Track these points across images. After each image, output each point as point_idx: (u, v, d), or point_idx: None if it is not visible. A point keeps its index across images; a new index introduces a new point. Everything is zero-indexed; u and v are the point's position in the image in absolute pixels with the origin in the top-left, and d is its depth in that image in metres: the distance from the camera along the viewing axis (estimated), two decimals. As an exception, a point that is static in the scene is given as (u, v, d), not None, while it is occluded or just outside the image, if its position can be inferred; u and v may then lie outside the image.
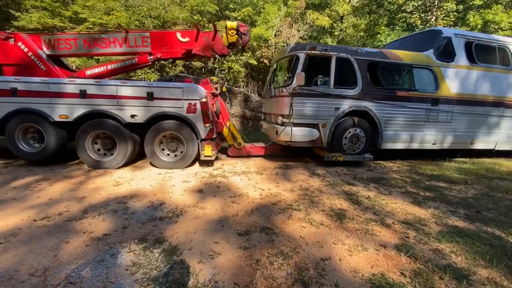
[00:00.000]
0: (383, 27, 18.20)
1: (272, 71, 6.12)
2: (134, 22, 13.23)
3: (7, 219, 2.57)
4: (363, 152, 5.12)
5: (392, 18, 16.85)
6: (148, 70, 12.62)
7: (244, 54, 13.52)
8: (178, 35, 4.99)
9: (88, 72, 5.11)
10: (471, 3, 14.16)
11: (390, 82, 5.45)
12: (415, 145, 5.37)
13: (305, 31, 15.68)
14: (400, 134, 5.22)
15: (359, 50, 5.08)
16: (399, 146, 5.30)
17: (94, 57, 11.46)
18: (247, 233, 2.40)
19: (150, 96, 4.27)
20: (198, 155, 4.62)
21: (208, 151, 4.50)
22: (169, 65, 13.14)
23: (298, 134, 4.81)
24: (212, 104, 4.72)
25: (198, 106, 4.35)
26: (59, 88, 4.21)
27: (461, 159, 6.00)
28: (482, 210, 3.12)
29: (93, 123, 4.31)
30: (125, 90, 4.26)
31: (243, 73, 15.69)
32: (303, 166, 5.04)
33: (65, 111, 4.25)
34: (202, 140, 4.51)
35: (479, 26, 13.88)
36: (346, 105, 4.89)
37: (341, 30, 19.00)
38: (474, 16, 13.99)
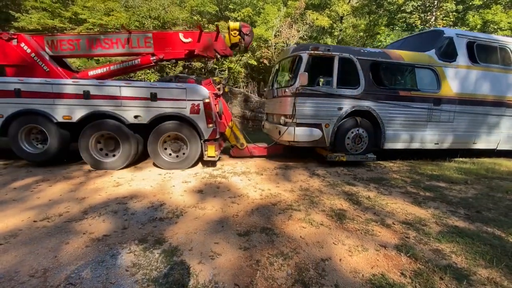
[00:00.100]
0: (382, 27, 18.22)
1: (274, 72, 6.13)
2: (134, 23, 13.23)
3: (7, 220, 2.57)
4: (365, 152, 5.13)
5: (391, 18, 16.86)
6: (148, 71, 12.60)
7: (244, 54, 13.53)
8: (181, 35, 4.99)
9: (91, 73, 5.11)
10: (470, 3, 14.17)
11: (393, 82, 5.46)
12: (417, 145, 5.37)
13: (305, 31, 15.68)
14: (402, 134, 5.22)
15: (362, 50, 5.10)
16: (402, 146, 5.31)
17: (94, 58, 11.46)
18: (247, 234, 2.40)
19: (153, 97, 4.27)
20: (201, 155, 4.62)
21: (211, 151, 4.51)
22: (169, 66, 13.15)
23: (301, 134, 4.82)
24: (215, 105, 4.73)
25: (201, 107, 4.35)
26: (63, 89, 4.21)
27: (461, 159, 6.00)
28: (482, 210, 3.12)
29: (96, 124, 4.31)
30: (129, 91, 4.26)
31: (243, 74, 15.69)
32: (303, 167, 5.04)
33: (68, 112, 4.26)
34: (205, 140, 4.51)
35: (478, 26, 13.89)
36: (348, 105, 4.90)
37: (340, 30, 19.01)
38: (473, 16, 14.00)
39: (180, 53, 5.10)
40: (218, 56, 5.25)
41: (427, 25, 14.52)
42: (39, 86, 4.19)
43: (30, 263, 1.91)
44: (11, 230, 2.38)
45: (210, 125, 4.42)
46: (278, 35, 15.11)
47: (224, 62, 14.27)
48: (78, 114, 4.25)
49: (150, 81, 12.29)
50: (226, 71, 15.11)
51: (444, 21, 13.80)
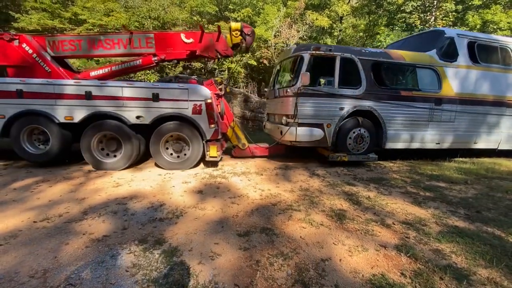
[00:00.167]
0: (382, 28, 18.22)
1: (275, 72, 6.14)
2: (133, 23, 13.24)
3: (7, 221, 2.57)
4: (367, 152, 5.14)
5: (391, 19, 16.88)
6: (148, 71, 12.60)
7: (244, 54, 13.53)
8: (183, 36, 5.00)
9: (93, 74, 5.11)
10: (470, 3, 14.18)
11: (394, 82, 5.47)
12: (419, 145, 5.38)
13: (304, 31, 15.69)
14: (404, 133, 5.23)
15: (363, 50, 5.11)
16: (403, 145, 5.32)
17: (94, 58, 11.45)
18: (247, 234, 2.40)
19: (155, 97, 4.28)
20: (203, 156, 4.62)
21: (213, 152, 4.51)
22: (169, 66, 13.15)
23: (303, 134, 4.82)
24: (217, 105, 4.74)
25: (203, 107, 4.36)
26: (64, 89, 4.22)
27: (461, 159, 6.00)
28: (482, 210, 3.12)
29: (98, 125, 4.31)
30: (131, 91, 4.27)
31: (243, 74, 15.70)
32: (303, 167, 5.04)
33: (70, 112, 4.26)
34: (207, 141, 4.51)
35: (478, 26, 13.90)
36: (350, 105, 4.90)
37: (340, 30, 19.02)
38: (473, 16, 14.01)
39: (181, 54, 5.10)
40: (220, 56, 5.25)
41: (426, 25, 14.53)
42: (41, 87, 4.19)
43: (30, 264, 1.91)
44: (11, 231, 2.38)
45: (212, 125, 4.42)
46: (278, 35, 15.11)
47: (224, 62, 14.27)
48: (80, 114, 4.26)
49: (150, 81, 12.30)
50: (226, 72, 15.11)
51: (443, 21, 13.81)
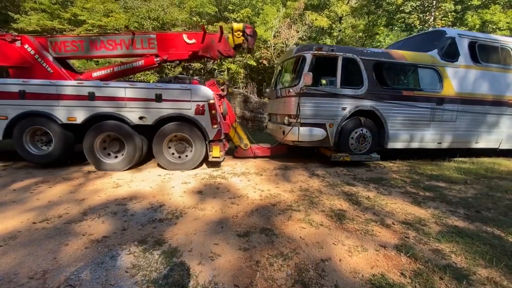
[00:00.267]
0: (381, 28, 18.26)
1: (277, 72, 6.15)
2: (133, 24, 13.25)
3: (7, 222, 2.57)
4: (369, 152, 5.15)
5: (390, 19, 16.92)
6: (148, 72, 12.60)
7: (243, 55, 13.53)
8: (185, 36, 5.00)
9: (95, 74, 5.11)
10: (469, 3, 14.22)
11: (396, 82, 5.48)
12: (420, 145, 5.40)
13: (304, 32, 15.70)
14: (406, 133, 5.25)
15: (365, 50, 5.12)
16: (405, 145, 5.33)
17: (94, 59, 11.45)
18: (247, 234, 2.40)
19: (158, 98, 4.27)
20: (206, 156, 4.62)
21: (216, 152, 4.52)
22: (169, 67, 13.15)
23: (306, 134, 4.83)
24: (219, 106, 4.73)
25: (206, 108, 4.36)
26: (67, 90, 4.21)
27: (460, 158, 6.01)
28: (481, 209, 3.13)
29: (101, 125, 4.31)
30: (134, 92, 4.26)
31: (242, 74, 15.70)
32: (303, 167, 5.04)
33: (73, 113, 4.26)
34: (210, 141, 4.52)
35: (477, 26, 13.93)
36: (352, 105, 4.92)
37: (340, 30, 19.05)
38: (472, 16, 14.04)
39: (183, 54, 5.10)
40: (222, 57, 5.25)
41: (426, 25, 14.56)
42: (43, 88, 4.19)
43: (29, 265, 1.90)
44: (10, 232, 2.38)
45: (215, 126, 4.42)
46: (277, 35, 15.13)
47: (224, 63, 14.28)
48: (83, 115, 4.25)
49: (149, 82, 12.30)
50: (226, 72, 15.12)
51: (442, 21, 13.84)
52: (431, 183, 4.16)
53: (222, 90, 5.28)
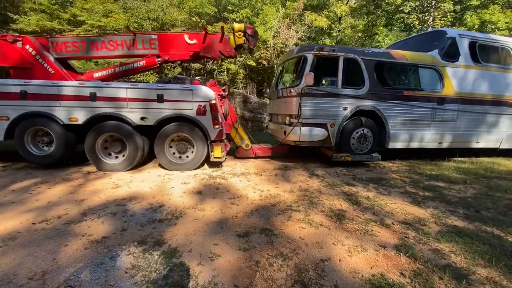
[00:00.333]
0: (381, 28, 18.29)
1: (278, 73, 6.16)
2: (132, 24, 13.25)
3: (6, 223, 2.57)
4: (370, 152, 5.16)
5: (390, 19, 16.95)
6: (147, 72, 12.62)
7: (243, 55, 13.54)
8: (186, 37, 4.99)
9: (96, 75, 5.11)
10: (468, 4, 14.24)
11: (397, 82, 5.50)
12: (422, 144, 5.41)
13: (303, 32, 15.72)
14: (407, 133, 5.26)
15: (366, 51, 5.14)
16: (406, 145, 5.34)
17: (93, 60, 11.45)
18: (246, 235, 2.40)
19: (160, 98, 4.27)
20: (207, 156, 4.62)
21: (218, 152, 4.52)
22: (168, 67, 13.15)
23: (307, 134, 4.84)
24: (221, 106, 4.73)
25: (208, 108, 4.36)
26: (69, 91, 4.21)
27: (460, 158, 6.02)
28: (481, 209, 3.13)
29: (103, 126, 4.31)
30: (135, 93, 4.26)
31: (242, 75, 15.71)
32: (303, 167, 5.05)
33: (75, 114, 4.25)
34: (211, 141, 4.52)
35: (476, 26, 13.96)
36: (353, 105, 4.93)
37: (339, 31, 19.07)
38: (471, 16, 14.07)
39: (185, 55, 5.10)
40: (223, 57, 5.25)
41: (425, 25, 14.58)
42: (45, 88, 4.18)
43: (29, 266, 1.90)
44: (9, 233, 2.37)
45: (217, 126, 4.42)
46: (277, 36, 15.14)
47: (223, 63, 14.28)
48: (85, 116, 4.25)
49: (149, 82, 12.30)
50: (225, 72, 15.12)
51: (442, 22, 13.86)
52: (431, 183, 4.16)
53: (223, 90, 5.28)
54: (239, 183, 3.96)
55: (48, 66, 4.68)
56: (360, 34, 19.46)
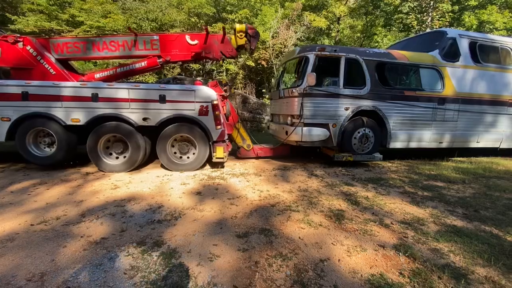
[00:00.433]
0: (379, 28, 18.34)
1: (280, 73, 6.18)
2: (131, 25, 13.24)
3: (4, 224, 2.56)
4: (372, 152, 5.17)
5: (388, 19, 16.99)
6: (146, 73, 12.61)
7: (242, 56, 13.55)
8: (187, 37, 4.99)
9: (98, 76, 5.10)
10: (466, 4, 14.30)
11: (398, 82, 5.52)
12: (422, 144, 5.43)
13: (302, 32, 15.75)
14: (408, 133, 5.28)
15: (368, 51, 5.16)
16: (407, 145, 5.36)
17: (92, 60, 11.44)
18: (246, 235, 2.40)
19: (162, 99, 4.27)
20: (209, 157, 4.62)
21: (220, 153, 4.52)
22: (167, 68, 13.14)
23: (309, 134, 4.86)
24: (222, 106, 4.73)
25: (210, 108, 4.36)
26: (70, 91, 4.20)
27: (458, 158, 6.04)
28: (480, 209, 3.14)
29: (105, 127, 4.30)
30: (137, 93, 4.26)
31: (241, 75, 15.71)
32: (302, 167, 5.05)
33: (76, 114, 4.24)
34: (213, 142, 4.52)
35: (474, 27, 14.01)
36: (355, 105, 4.95)
37: (338, 31, 19.11)
38: (469, 16, 14.12)
39: (186, 55, 5.10)
40: (224, 58, 5.26)
41: (423, 26, 14.62)
42: (46, 89, 4.17)
43: (27, 267, 1.89)
44: (8, 234, 2.36)
45: (219, 126, 4.43)
46: (276, 36, 15.16)
47: (222, 64, 14.28)
48: (86, 116, 4.24)
49: (148, 83, 12.27)
50: (225, 73, 15.12)
51: (440, 22, 13.90)
52: (430, 182, 4.17)
53: (225, 90, 5.30)
54: (239, 183, 3.96)
55: (49, 67, 4.66)
56: (358, 34, 19.52)
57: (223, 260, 2.02)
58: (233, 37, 5.12)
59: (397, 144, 5.28)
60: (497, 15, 13.64)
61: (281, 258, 2.06)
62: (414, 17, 14.86)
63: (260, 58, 14.98)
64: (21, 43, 4.54)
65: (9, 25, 12.92)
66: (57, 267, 1.90)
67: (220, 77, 14.88)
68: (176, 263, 1.97)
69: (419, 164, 5.40)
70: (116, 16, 13.47)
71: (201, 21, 15.62)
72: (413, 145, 5.39)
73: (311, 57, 4.78)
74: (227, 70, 15.23)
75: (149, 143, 4.62)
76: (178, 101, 4.32)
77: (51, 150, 4.46)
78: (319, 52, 4.78)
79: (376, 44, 18.49)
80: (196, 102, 4.34)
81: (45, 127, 4.29)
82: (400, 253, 2.13)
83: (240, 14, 14.99)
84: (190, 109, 4.35)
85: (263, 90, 14.77)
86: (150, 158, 5.04)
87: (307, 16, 15.66)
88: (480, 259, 2.08)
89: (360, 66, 4.94)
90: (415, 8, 15.04)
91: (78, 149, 4.65)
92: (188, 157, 4.67)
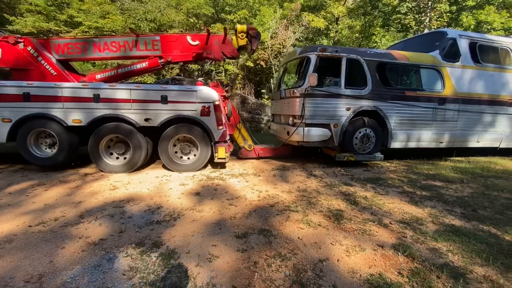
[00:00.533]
0: (378, 29, 18.38)
1: (281, 73, 6.19)
2: (130, 26, 13.21)
3: (2, 225, 2.54)
4: (373, 152, 5.18)
5: (386, 20, 17.03)
6: (147, 73, 12.59)
7: (241, 56, 13.54)
8: (189, 38, 4.99)
9: (99, 76, 5.09)
10: (464, 4, 14.35)
11: (399, 82, 5.54)
12: (423, 144, 5.45)
13: (301, 33, 15.77)
14: (408, 133, 5.30)
15: (368, 51, 5.18)
16: (408, 145, 5.38)
17: (90, 61, 11.42)
18: (245, 236, 2.40)
19: (164, 100, 4.27)
20: (211, 157, 4.63)
21: (221, 153, 4.53)
22: (166, 68, 13.12)
23: (311, 134, 4.87)
24: (224, 107, 4.74)
25: (212, 109, 4.36)
26: (72, 92, 4.19)
27: (456, 158, 6.06)
28: (478, 208, 3.15)
29: (106, 127, 4.29)
30: (139, 94, 4.25)
31: (240, 76, 15.71)
32: (301, 168, 5.05)
33: (78, 115, 4.23)
34: (215, 142, 4.52)
35: (472, 27, 14.06)
36: (356, 105, 4.97)
37: (336, 31, 19.15)
38: (467, 16, 14.17)
39: (187, 56, 5.10)
40: (226, 58, 5.26)
41: (421, 26, 14.66)
42: (48, 90, 4.16)
43: (26, 269, 1.88)
44: (6, 236, 2.35)
45: (220, 127, 4.43)
46: (274, 36, 15.18)
47: (221, 64, 14.28)
48: (88, 117, 4.23)
49: (146, 83, 12.25)
50: (223, 73, 15.11)
51: (438, 22, 13.94)
52: (428, 182, 4.18)
53: (226, 91, 5.29)
54: (238, 184, 3.96)
55: (50, 68, 4.65)
56: (357, 34, 19.56)
57: (222, 260, 2.02)
58: (234, 37, 5.12)
59: (398, 144, 5.30)
60: (495, 15, 13.70)
61: (280, 258, 2.06)
62: (412, 17, 14.91)
63: (259, 58, 15.00)
64: (22, 43, 4.53)
65: (7, 25, 12.88)
66: (56, 269, 1.89)
67: (219, 78, 14.88)
68: (175, 264, 1.96)
69: (417, 164, 5.42)
70: (114, 17, 13.46)
71: (200, 21, 15.61)
72: (414, 145, 5.41)
73: (313, 57, 4.79)
74: (226, 70, 15.22)
75: (150, 144, 4.62)
76: (180, 101, 4.32)
77: (52, 151, 4.45)
78: (320, 53, 4.79)
79: (375, 44, 18.53)
80: (198, 102, 4.34)
81: (46, 128, 4.28)
82: (399, 253, 2.13)
83: (238, 15, 15.00)
84: (192, 109, 4.36)
85: (262, 91, 14.76)
86: (150, 159, 5.03)
87: (305, 16, 15.69)
88: (479, 258, 2.09)
89: (361, 66, 4.95)
90: (413, 9, 15.08)
91: (80, 150, 4.63)
92: (189, 158, 4.68)
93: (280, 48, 14.83)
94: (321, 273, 1.89)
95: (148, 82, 12.45)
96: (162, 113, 4.32)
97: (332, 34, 19.01)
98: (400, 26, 16.46)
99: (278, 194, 3.51)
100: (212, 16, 16.79)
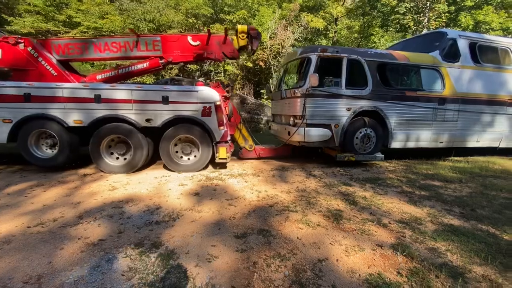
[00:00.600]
0: (376, 29, 18.41)
1: (281, 74, 6.20)
2: (128, 26, 13.21)
3: (0, 226, 2.54)
4: (373, 152, 5.20)
5: (385, 20, 17.04)
6: (147, 73, 12.58)
7: (241, 56, 13.53)
8: (189, 38, 4.99)
9: (99, 77, 5.08)
10: (462, 4, 14.39)
11: (399, 82, 5.55)
12: (423, 144, 5.47)
13: (299, 33, 15.79)
14: (409, 133, 5.32)
15: (369, 52, 5.20)
16: (408, 145, 5.40)
17: (89, 61, 11.38)
18: (244, 236, 2.40)
19: (165, 100, 4.27)
20: (212, 157, 4.63)
21: (223, 153, 4.53)
22: (165, 68, 13.10)
23: (312, 135, 4.88)
24: (225, 107, 4.74)
25: (213, 109, 4.36)
26: (73, 93, 4.19)
27: (455, 158, 6.07)
28: (476, 208, 3.16)
29: (108, 128, 4.29)
30: (140, 94, 4.25)
31: (239, 76, 15.71)
32: (300, 168, 5.06)
33: (79, 116, 4.22)
34: (216, 142, 4.52)
35: (470, 27, 14.10)
36: (357, 105, 4.98)
37: (335, 31, 19.18)
38: (465, 17, 14.21)
39: (188, 56, 5.10)
40: (226, 59, 5.26)
41: (420, 26, 14.70)
42: (48, 91, 4.15)
43: (24, 270, 1.88)
44: (4, 236, 2.35)
45: (221, 127, 4.43)
46: (273, 37, 15.19)
47: (220, 64, 14.28)
48: (89, 118, 4.22)
49: (146, 84, 12.23)
50: (222, 73, 15.11)
51: (436, 22, 13.98)
52: (427, 182, 4.19)
53: (227, 91, 5.29)
54: (237, 184, 3.96)
55: (51, 68, 4.64)
56: (356, 35, 19.60)
57: (222, 261, 2.02)
58: (234, 38, 5.12)
59: (398, 144, 5.31)
60: (493, 15, 13.74)
61: (279, 258, 2.06)
62: (410, 17, 14.94)
63: (258, 59, 15.00)
64: (22, 44, 4.52)
65: (5, 26, 12.85)
66: (54, 270, 1.88)
67: (219, 78, 14.87)
68: (174, 264, 1.96)
69: (416, 163, 5.43)
70: (113, 17, 13.44)
71: (199, 22, 15.61)
72: (414, 145, 5.43)
73: (313, 58, 4.80)
74: (225, 70, 15.22)
75: (151, 144, 4.61)
76: (181, 102, 4.32)
77: (53, 152, 4.44)
78: (321, 53, 4.80)
79: (374, 44, 18.56)
80: (199, 103, 4.35)
81: (47, 128, 4.27)
82: (398, 253, 2.14)
83: (237, 15, 15.00)
84: (193, 110, 4.36)
85: (261, 91, 14.76)
86: (151, 159, 5.02)
87: (304, 16, 15.71)
88: (477, 258, 2.09)
89: (361, 66, 4.96)
90: (411, 9, 15.12)
91: (81, 150, 4.62)
92: (189, 158, 4.68)
93: (279, 49, 14.84)
94: (320, 273, 1.89)
95: (147, 83, 12.43)
96: (163, 114, 4.32)
97: (331, 35, 19.04)
98: (398, 26, 16.48)
99: (277, 194, 3.51)
100: (211, 17, 16.79)
